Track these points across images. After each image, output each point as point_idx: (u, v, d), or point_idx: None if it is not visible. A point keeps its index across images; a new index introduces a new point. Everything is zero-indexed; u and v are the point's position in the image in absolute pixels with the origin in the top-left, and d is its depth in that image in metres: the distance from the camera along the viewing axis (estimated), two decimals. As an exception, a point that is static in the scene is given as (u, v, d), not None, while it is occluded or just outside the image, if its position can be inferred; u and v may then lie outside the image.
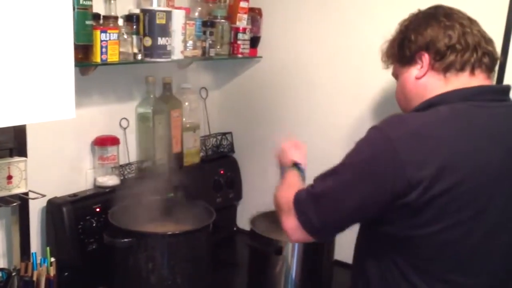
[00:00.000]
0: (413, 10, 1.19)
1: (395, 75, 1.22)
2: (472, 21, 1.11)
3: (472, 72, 1.08)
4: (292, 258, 1.56)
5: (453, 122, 1.02)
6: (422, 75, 1.12)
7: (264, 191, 2.00)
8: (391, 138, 1.00)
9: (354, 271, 1.22)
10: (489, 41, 1.11)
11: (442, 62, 1.09)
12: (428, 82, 1.11)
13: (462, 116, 1.03)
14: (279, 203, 1.18)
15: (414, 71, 1.13)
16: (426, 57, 1.11)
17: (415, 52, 1.12)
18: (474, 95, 1.06)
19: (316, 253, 1.60)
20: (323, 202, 1.06)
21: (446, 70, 1.09)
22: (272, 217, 1.75)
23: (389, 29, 1.22)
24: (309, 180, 1.20)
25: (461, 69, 1.08)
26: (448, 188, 0.97)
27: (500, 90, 1.11)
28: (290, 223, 1.09)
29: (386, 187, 0.99)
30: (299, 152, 1.38)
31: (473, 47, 1.08)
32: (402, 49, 1.15)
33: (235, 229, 2.07)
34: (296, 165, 1.33)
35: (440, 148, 0.98)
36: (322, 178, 1.10)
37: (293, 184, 1.23)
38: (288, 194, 1.14)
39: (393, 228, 1.04)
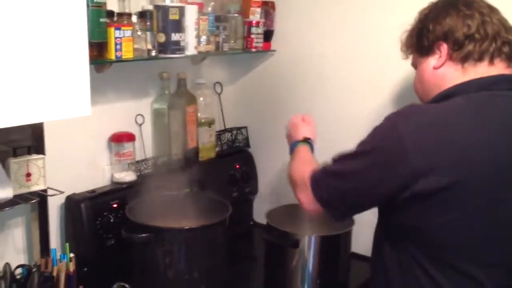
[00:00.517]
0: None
1: (414, 65, 1.22)
2: (492, 9, 1.10)
3: (491, 61, 1.07)
4: (308, 251, 1.56)
5: (467, 112, 1.01)
6: (440, 65, 1.11)
7: (280, 185, 2.02)
8: (398, 128, 1.01)
9: (372, 262, 1.22)
10: (509, 30, 1.09)
11: (460, 52, 1.08)
12: (446, 72, 1.10)
13: (478, 106, 1.02)
14: (294, 177, 1.25)
15: (432, 61, 1.13)
16: (444, 47, 1.10)
17: (433, 42, 1.11)
18: (491, 84, 1.05)
19: (333, 246, 1.60)
20: (335, 181, 1.11)
21: (464, 60, 1.08)
22: (288, 211, 1.75)
23: (404, 20, 1.20)
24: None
25: (479, 59, 1.07)
26: (460, 178, 0.96)
27: None
28: (305, 196, 1.17)
29: (391, 176, 1.01)
30: (309, 126, 1.44)
31: (492, 37, 1.06)
32: (421, 39, 1.14)
33: (251, 223, 2.07)
34: (307, 141, 1.39)
35: (453, 138, 0.98)
36: (339, 159, 1.14)
37: (308, 160, 1.31)
38: (303, 169, 1.20)
39: (405, 218, 1.05)
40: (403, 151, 0.99)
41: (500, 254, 1.03)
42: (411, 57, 1.23)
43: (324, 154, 1.47)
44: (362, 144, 1.09)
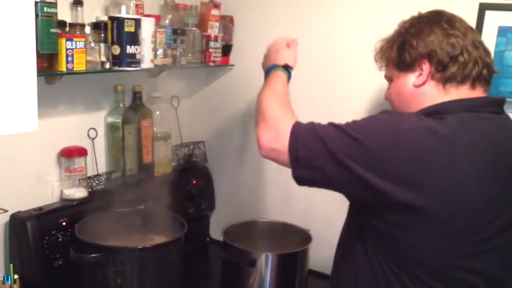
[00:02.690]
0: (382, 18, 1.18)
1: (389, 78, 1.18)
2: (473, 31, 1.09)
3: (473, 85, 1.07)
4: (265, 270, 1.54)
5: (461, 132, 0.99)
6: (421, 83, 1.09)
7: (238, 201, 2.00)
8: (400, 128, 0.98)
9: (338, 274, 1.19)
10: (488, 53, 1.09)
11: (444, 73, 1.06)
12: (427, 91, 1.09)
13: (469, 127, 1.01)
14: (265, 111, 1.15)
15: (411, 78, 1.10)
16: (427, 66, 1.08)
17: (415, 59, 1.09)
18: (476, 106, 1.05)
19: (290, 264, 1.58)
20: (319, 148, 1.02)
21: (446, 81, 1.06)
22: (245, 227, 1.73)
23: (363, 39, 1.20)
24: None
25: (462, 81, 1.06)
26: (443, 203, 0.95)
27: (498, 102, 1.09)
28: (269, 137, 1.09)
29: (378, 174, 0.96)
30: (292, 53, 1.36)
31: (475, 60, 1.06)
32: (402, 54, 1.11)
33: (208, 240, 2.04)
34: (286, 68, 1.31)
35: (445, 156, 0.96)
36: (332, 127, 1.05)
37: (286, 96, 1.21)
38: (282, 110, 1.13)
39: (381, 224, 1.02)
40: (398, 152, 0.96)
41: (470, 278, 1.02)
42: (384, 69, 1.20)
43: (286, 170, 1.46)
44: (357, 128, 1.02)
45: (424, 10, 1.16)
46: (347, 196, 1.09)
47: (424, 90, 1.09)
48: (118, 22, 1.44)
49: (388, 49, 1.15)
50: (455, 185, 0.96)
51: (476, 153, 0.98)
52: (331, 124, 1.06)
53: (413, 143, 0.97)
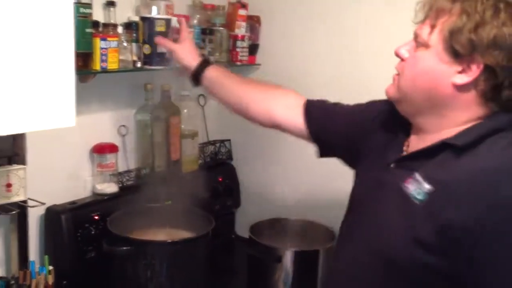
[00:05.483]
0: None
1: (422, 42, 0.90)
2: None
3: None
4: (291, 266, 1.56)
5: None
6: (462, 83, 0.86)
7: (263, 199, 2.02)
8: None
9: None
10: None
11: (494, 92, 0.85)
12: (461, 95, 0.87)
13: None
14: None
15: (450, 71, 0.86)
16: (475, 70, 0.84)
17: (469, 56, 0.84)
18: None
19: (316, 261, 1.60)
20: None
21: (491, 100, 0.86)
22: (271, 225, 1.75)
23: (388, 34, 1.19)
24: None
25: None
26: None
27: None
28: None
29: None
30: None
31: None
32: (457, 38, 0.83)
33: (233, 236, 2.06)
34: None
35: None
36: None
37: None
38: None
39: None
40: None
41: None
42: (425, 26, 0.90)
43: (311, 168, 1.47)
44: None
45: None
46: None
47: (458, 93, 0.87)
48: (149, 22, 1.48)
49: (448, 11, 0.86)
50: None
51: None
52: None
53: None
